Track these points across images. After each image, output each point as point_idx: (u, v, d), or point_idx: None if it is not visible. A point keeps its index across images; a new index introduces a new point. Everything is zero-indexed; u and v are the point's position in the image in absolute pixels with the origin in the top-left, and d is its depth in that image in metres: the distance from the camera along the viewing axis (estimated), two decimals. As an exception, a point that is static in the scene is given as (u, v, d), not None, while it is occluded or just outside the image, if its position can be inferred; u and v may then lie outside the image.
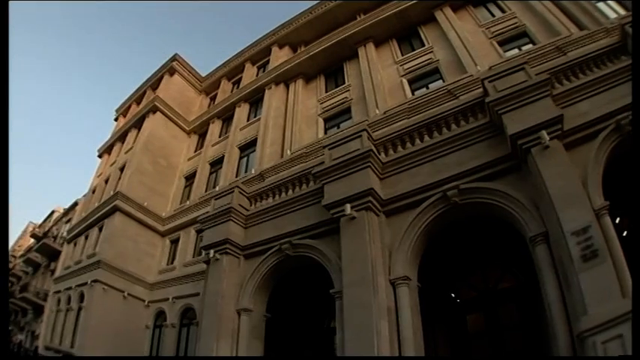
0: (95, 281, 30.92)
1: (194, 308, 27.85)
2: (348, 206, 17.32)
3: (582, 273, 13.04)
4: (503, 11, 31.24)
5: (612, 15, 26.35)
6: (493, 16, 31.59)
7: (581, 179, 15.22)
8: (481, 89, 18.61)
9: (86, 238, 37.23)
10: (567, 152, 15.79)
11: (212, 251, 20.65)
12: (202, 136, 41.64)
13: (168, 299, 30.78)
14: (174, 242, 34.09)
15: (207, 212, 23.08)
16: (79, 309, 31.59)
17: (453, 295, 23.16)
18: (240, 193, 22.33)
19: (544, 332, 17.70)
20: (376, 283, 15.99)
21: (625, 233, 20.47)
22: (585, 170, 15.50)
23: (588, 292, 12.70)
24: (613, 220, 15.25)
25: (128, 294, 31.46)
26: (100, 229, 35.39)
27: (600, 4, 27.13)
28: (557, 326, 13.66)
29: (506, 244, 19.56)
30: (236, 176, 32.25)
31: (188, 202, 34.79)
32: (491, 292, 21.83)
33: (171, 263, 33.02)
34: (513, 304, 21.58)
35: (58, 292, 36.27)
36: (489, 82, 18.08)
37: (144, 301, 32.06)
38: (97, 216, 36.23)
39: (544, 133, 15.44)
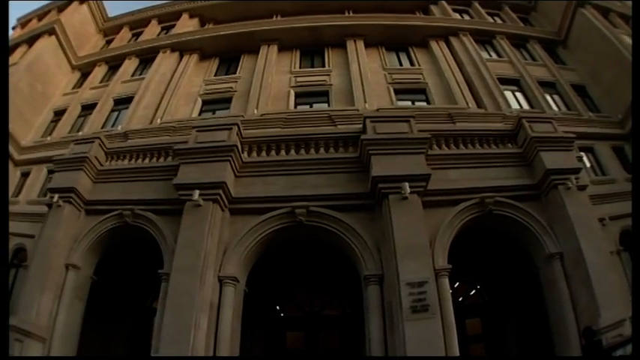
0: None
1: (26, 250, 26.42)
2: (196, 192, 17.11)
3: (409, 322, 13.88)
4: (412, 64, 32.49)
5: (515, 106, 28.23)
6: (401, 64, 32.83)
7: (429, 238, 16.18)
8: (361, 125, 19.10)
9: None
10: (424, 210, 16.67)
11: (57, 196, 19.53)
12: (85, 76, 39.08)
13: (4, 234, 28.99)
14: (25, 175, 31.91)
15: (63, 155, 21.92)
16: None
17: (278, 308, 23.47)
18: (100, 145, 21.39)
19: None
20: (205, 275, 15.91)
21: (460, 299, 22.03)
22: (437, 231, 16.55)
23: (411, 341, 13.54)
24: (452, 284, 16.14)
25: (-34, 219, 29.38)
26: (-40, 146, 32.61)
27: (508, 94, 29.05)
28: (376, 364, 14.12)
29: (340, 274, 20.10)
30: (102, 127, 30.58)
31: (49, 139, 32.42)
32: (316, 316, 22.69)
33: (16, 196, 30.94)
34: (336, 332, 22.46)
35: None
36: (371, 121, 18.77)
37: (-22, 229, 30.07)
38: (-43, 130, 33.38)
39: (406, 185, 16.28)
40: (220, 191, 17.39)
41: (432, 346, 13.54)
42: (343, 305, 22.78)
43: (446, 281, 15.66)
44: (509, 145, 19.55)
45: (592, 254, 16.07)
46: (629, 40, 31.64)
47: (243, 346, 17.17)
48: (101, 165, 21.00)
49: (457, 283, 22.63)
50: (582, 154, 22.56)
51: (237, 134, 18.92)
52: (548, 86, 31.16)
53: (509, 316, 22.32)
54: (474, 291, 23.91)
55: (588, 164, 24.88)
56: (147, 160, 20.77)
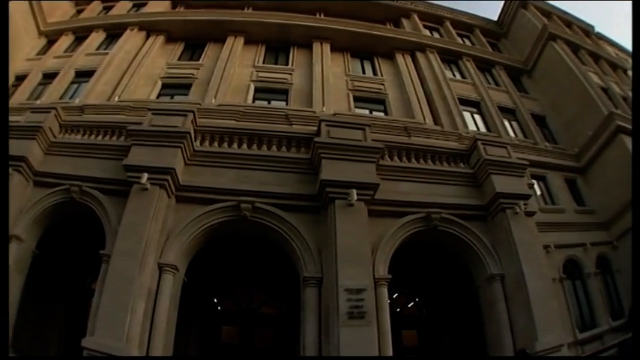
0: None
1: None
2: (145, 176, 16.79)
3: (344, 327, 13.99)
4: (375, 74, 33.00)
5: (473, 127, 28.99)
6: (364, 72, 33.28)
7: (372, 246, 16.24)
8: (316, 128, 19.18)
9: None
10: (369, 218, 16.73)
11: (7, 164, 19.06)
12: (51, 43, 38.18)
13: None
14: (-23, 139, 31.47)
15: (18, 122, 21.20)
16: None
17: (215, 301, 23.41)
18: (56, 117, 20.79)
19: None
20: (145, 261, 15.64)
21: (398, 310, 22.55)
22: (380, 240, 16.65)
23: (346, 346, 13.64)
24: (391, 294, 16.28)
25: None
26: None
27: (467, 114, 29.75)
28: (310, 366, 14.24)
29: (280, 273, 20.04)
30: (60, 98, 29.99)
31: (8, 103, 32.17)
32: (252, 312, 22.66)
33: (-35, 160, 30.38)
34: (271, 330, 22.59)
35: None
36: (327, 125, 18.88)
37: None
38: None
39: (354, 191, 16.31)
40: (169, 177, 17.13)
41: (366, 352, 13.70)
42: (280, 304, 22.87)
43: (385, 291, 15.78)
44: (462, 164, 19.86)
45: (534, 279, 16.46)
46: (595, 79, 32.75)
47: (179, 336, 16.97)
48: (54, 137, 20.35)
49: (396, 294, 23.01)
50: (534, 181, 23.11)
51: (192, 122, 18.68)
52: (508, 112, 31.98)
53: (446, 330, 22.73)
54: (412, 303, 24.30)
55: (539, 192, 25.50)
56: (100, 137, 20.29)
